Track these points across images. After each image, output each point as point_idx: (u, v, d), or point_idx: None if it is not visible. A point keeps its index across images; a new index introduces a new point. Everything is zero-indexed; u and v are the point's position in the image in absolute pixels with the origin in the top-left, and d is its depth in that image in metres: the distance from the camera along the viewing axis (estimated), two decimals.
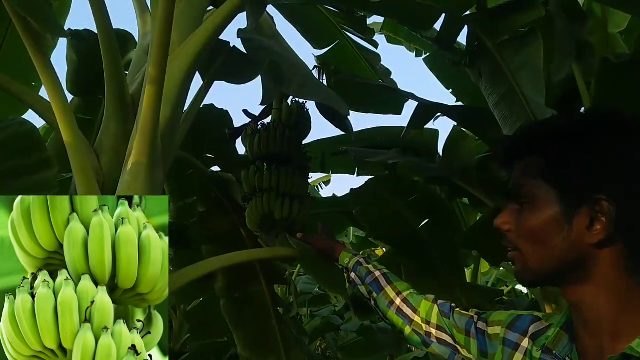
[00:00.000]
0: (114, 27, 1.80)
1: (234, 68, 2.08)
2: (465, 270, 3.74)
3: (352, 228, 5.72)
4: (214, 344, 4.00)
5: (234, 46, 2.33)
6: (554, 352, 0.83)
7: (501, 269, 5.55)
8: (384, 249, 5.76)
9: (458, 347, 1.15)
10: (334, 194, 5.21)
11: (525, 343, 0.91)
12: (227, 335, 3.79)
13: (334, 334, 5.38)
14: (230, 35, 4.06)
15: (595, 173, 0.79)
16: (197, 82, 2.40)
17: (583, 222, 0.78)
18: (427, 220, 2.81)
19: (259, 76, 2.02)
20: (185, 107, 1.92)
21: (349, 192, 2.78)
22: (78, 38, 2.50)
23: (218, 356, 4.23)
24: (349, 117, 2.43)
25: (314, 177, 6.99)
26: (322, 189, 7.45)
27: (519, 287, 6.72)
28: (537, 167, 0.83)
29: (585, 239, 0.78)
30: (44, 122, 1.92)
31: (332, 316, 4.74)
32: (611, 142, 0.80)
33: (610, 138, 0.80)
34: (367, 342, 4.04)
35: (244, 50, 2.08)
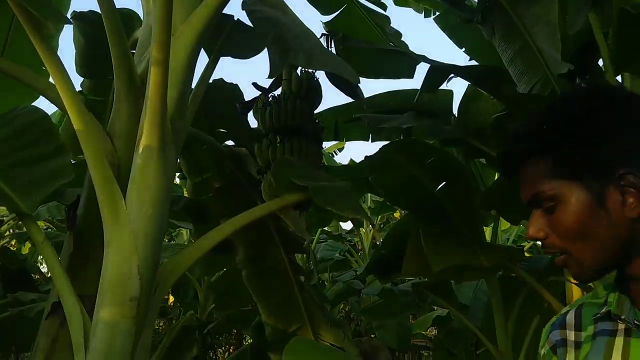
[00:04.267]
0: (118, 6, 1.78)
1: (239, 42, 2.05)
2: (485, 228, 3.74)
3: (369, 194, 5.73)
4: (239, 313, 4.09)
5: (238, 19, 2.29)
6: (622, 316, 0.79)
7: (521, 226, 5.52)
8: (402, 212, 5.76)
9: None
10: (351, 159, 5.20)
11: (570, 336, 0.85)
12: (251, 304, 3.89)
13: (356, 297, 5.46)
14: (233, 9, 3.99)
15: (606, 151, 0.77)
16: (204, 59, 2.38)
17: (615, 200, 0.76)
18: (444, 183, 2.79)
19: (266, 49, 1.98)
20: (193, 84, 1.90)
21: (364, 159, 2.77)
22: (83, 20, 2.48)
23: (243, 324, 4.33)
24: (359, 83, 2.40)
25: (327, 145, 7.02)
26: (336, 155, 7.42)
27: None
28: (547, 168, 0.80)
29: (626, 215, 0.76)
30: (56, 108, 1.93)
31: (353, 281, 4.79)
32: (608, 116, 0.78)
33: (605, 113, 0.79)
34: (389, 303, 4.08)
35: (249, 23, 2.04)
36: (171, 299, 6.26)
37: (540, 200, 0.81)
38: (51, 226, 6.07)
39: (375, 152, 2.77)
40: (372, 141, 3.33)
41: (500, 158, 0.88)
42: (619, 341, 0.80)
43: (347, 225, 7.65)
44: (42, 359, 1.80)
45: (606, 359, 0.79)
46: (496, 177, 3.21)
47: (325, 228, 6.39)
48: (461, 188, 2.80)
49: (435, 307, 5.59)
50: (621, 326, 0.80)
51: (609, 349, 0.80)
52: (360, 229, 6.51)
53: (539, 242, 0.85)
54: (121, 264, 1.43)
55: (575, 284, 2.57)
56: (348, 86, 2.33)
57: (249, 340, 5.19)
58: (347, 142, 6.01)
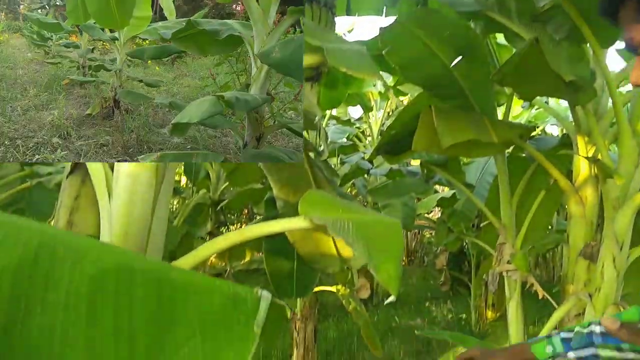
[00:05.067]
0: None
1: None
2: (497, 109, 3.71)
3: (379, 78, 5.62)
4: (250, 190, 4.21)
5: None
6: None
7: (532, 111, 5.48)
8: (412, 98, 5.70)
9: None
10: None
11: None
12: (263, 181, 3.98)
13: (363, 179, 5.57)
14: None
15: None
16: None
17: None
18: (460, 58, 2.72)
19: None
20: None
21: (378, 31, 2.67)
22: None
23: (255, 201, 4.47)
24: None
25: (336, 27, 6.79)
26: (345, 36, 7.18)
27: (548, 128, 6.69)
28: (634, 11, 0.81)
29: None
30: None
31: (361, 161, 4.87)
32: None
33: None
34: (396, 184, 4.18)
35: None
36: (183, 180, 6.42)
37: (634, 46, 0.82)
38: None
39: (390, 24, 2.68)
40: (385, 15, 3.20)
41: (598, 11, 0.90)
42: None
43: (356, 113, 7.62)
44: (67, 215, 1.88)
45: None
46: (513, 53, 3.12)
47: (334, 113, 6.38)
48: (477, 63, 2.73)
49: (440, 190, 5.74)
50: None
51: None
52: (369, 114, 6.49)
53: None
54: None
55: (585, 157, 2.59)
56: None
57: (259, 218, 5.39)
58: (358, 20, 5.77)
